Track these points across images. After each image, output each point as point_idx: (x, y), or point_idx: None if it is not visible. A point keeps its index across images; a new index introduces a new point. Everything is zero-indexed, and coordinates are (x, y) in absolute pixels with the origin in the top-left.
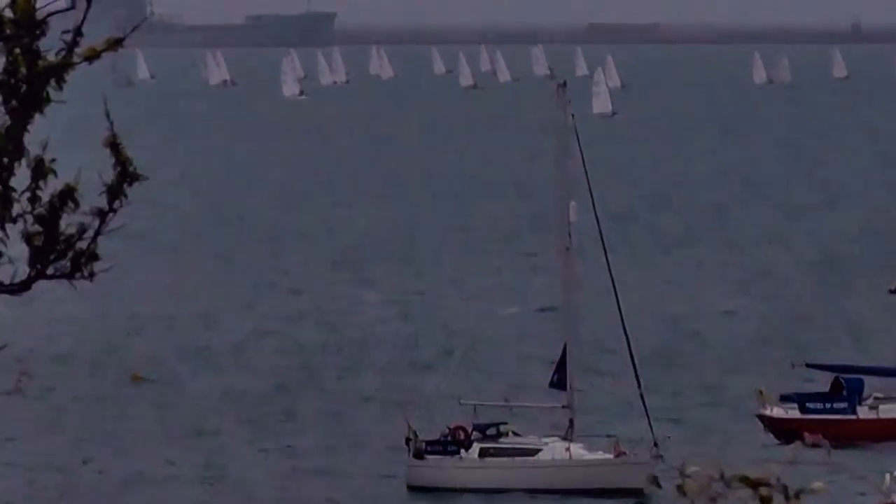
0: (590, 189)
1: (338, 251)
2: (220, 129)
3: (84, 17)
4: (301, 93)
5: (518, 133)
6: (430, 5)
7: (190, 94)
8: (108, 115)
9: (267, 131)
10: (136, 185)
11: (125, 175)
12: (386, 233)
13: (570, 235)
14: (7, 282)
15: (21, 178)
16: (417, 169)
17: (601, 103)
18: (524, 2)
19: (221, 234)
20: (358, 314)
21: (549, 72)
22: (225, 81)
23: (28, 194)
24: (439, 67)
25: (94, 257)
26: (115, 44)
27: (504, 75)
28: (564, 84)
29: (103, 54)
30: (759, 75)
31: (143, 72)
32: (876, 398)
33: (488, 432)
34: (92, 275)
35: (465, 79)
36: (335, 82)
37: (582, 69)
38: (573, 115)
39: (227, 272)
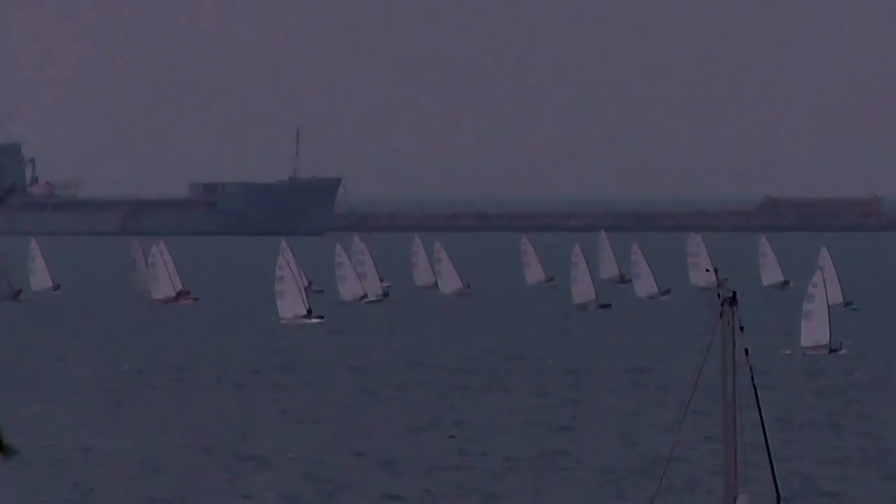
0: (771, 466)
1: None
2: (162, 378)
3: None
4: (309, 312)
5: (660, 377)
6: (506, 170)
7: (118, 316)
8: None
9: (233, 380)
10: (6, 461)
11: None
12: None
13: None
14: None
15: None
16: (469, 434)
17: (814, 329)
18: (665, 169)
19: None
20: None
21: (709, 276)
22: (178, 293)
23: None
24: (535, 273)
25: None
26: None
27: (645, 285)
28: (734, 298)
29: None
30: None
31: (40, 277)
32: None
33: None
34: None
35: (581, 292)
36: (364, 297)
37: (772, 274)
38: (746, 351)
39: None
